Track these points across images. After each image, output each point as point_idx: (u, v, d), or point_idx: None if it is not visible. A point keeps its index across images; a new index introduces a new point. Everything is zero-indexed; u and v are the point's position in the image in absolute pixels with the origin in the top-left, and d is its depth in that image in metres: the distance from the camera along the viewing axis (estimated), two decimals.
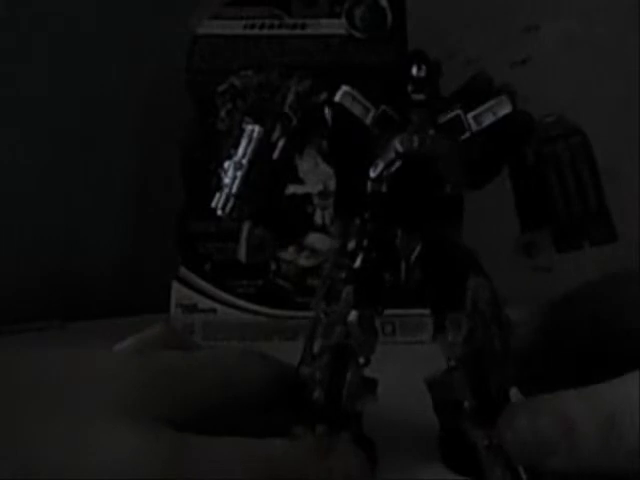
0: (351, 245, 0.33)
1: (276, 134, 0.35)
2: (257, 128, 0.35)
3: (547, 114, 0.34)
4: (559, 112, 0.34)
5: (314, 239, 0.58)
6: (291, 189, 0.57)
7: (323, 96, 0.34)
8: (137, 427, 0.28)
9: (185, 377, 0.31)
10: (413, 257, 0.32)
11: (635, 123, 0.66)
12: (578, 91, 0.68)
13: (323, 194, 0.58)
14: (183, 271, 0.62)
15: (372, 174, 0.32)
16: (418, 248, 0.32)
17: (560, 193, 0.33)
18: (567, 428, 0.29)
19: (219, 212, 0.35)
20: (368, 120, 0.33)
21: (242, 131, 0.35)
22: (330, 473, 0.29)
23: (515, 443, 0.30)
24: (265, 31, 0.63)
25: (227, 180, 0.35)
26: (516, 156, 0.33)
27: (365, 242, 0.33)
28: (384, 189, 0.32)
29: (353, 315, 0.32)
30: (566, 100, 0.65)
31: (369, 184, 0.33)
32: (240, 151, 0.35)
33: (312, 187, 0.58)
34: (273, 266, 0.60)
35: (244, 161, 0.35)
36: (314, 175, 0.56)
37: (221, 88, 0.61)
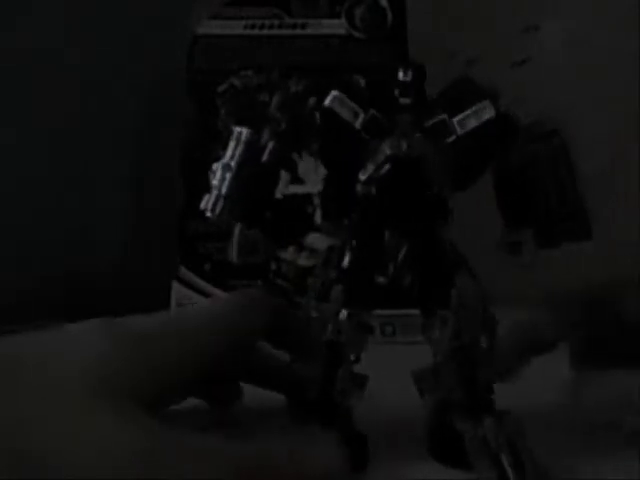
0: (339, 245, 0.34)
1: (265, 137, 0.35)
2: (245, 130, 0.36)
3: (527, 116, 0.35)
4: (538, 114, 0.35)
5: (314, 239, 0.58)
6: (291, 189, 0.57)
7: (312, 101, 0.35)
8: (113, 412, 0.27)
9: (155, 350, 0.30)
10: (400, 257, 0.33)
11: (635, 123, 0.66)
12: (578, 91, 0.68)
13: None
14: (183, 271, 0.62)
15: (361, 177, 0.33)
16: (405, 248, 0.33)
17: (541, 192, 0.34)
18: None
19: (208, 213, 0.36)
20: (357, 124, 0.34)
21: (230, 133, 0.36)
22: (303, 466, 0.29)
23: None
24: (265, 31, 0.63)
25: (216, 182, 0.36)
26: (501, 157, 0.34)
27: (353, 242, 0.34)
28: (373, 191, 0.33)
29: (343, 314, 0.33)
30: (566, 100, 0.65)
31: (358, 186, 0.34)
32: (229, 153, 0.36)
33: (312, 187, 0.58)
34: (273, 266, 0.60)
35: (232, 163, 0.36)
36: (314, 175, 0.56)
37: (221, 88, 0.61)
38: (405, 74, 0.33)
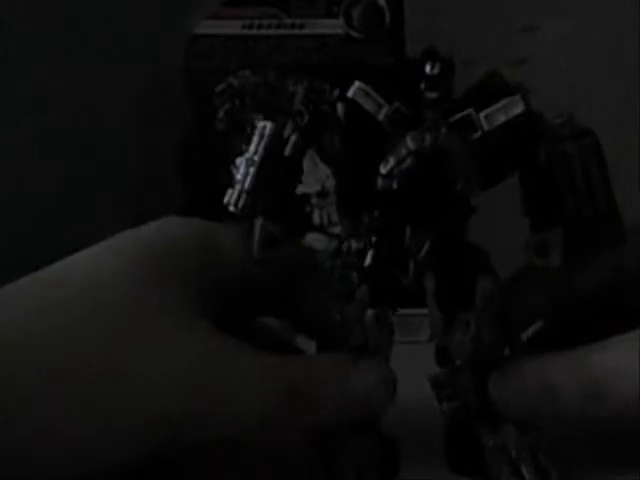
0: (359, 244, 0.33)
1: (288, 131, 0.34)
2: (268, 124, 0.35)
3: (557, 115, 0.34)
4: (569, 113, 0.34)
5: (312, 239, 0.58)
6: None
7: (335, 93, 0.34)
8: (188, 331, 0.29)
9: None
10: (421, 255, 0.32)
11: (635, 123, 0.66)
12: (577, 91, 0.68)
13: (321, 194, 0.58)
14: None
15: (383, 170, 0.32)
16: (427, 246, 0.32)
17: (571, 194, 0.33)
18: (550, 391, 0.30)
19: (232, 208, 0.35)
20: (381, 116, 0.32)
21: (253, 128, 0.35)
22: (350, 389, 0.30)
23: (503, 404, 0.31)
24: (263, 31, 0.63)
25: (239, 176, 0.35)
26: (527, 156, 0.33)
27: (374, 239, 0.33)
28: (395, 186, 0.32)
29: (370, 314, 0.32)
30: (565, 100, 0.65)
31: (379, 180, 0.32)
32: (252, 147, 0.35)
33: (310, 187, 0.58)
34: None
35: (256, 157, 0.35)
36: (312, 175, 0.56)
37: (219, 88, 0.61)
38: (433, 68, 0.32)
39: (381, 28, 0.63)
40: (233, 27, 0.63)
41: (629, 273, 0.35)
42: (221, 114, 0.61)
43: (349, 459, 0.31)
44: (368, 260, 0.33)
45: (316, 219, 0.59)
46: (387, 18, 0.63)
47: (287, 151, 0.35)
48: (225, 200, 0.35)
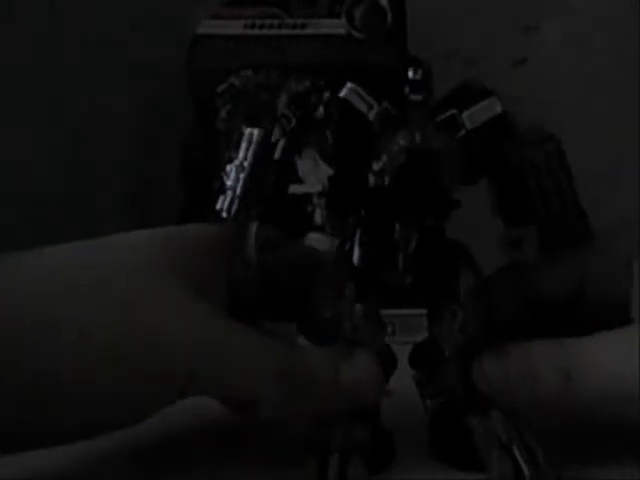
0: (348, 242, 0.34)
1: (276, 135, 0.36)
2: (256, 130, 0.36)
3: (524, 122, 0.35)
4: (533, 121, 0.35)
5: (314, 239, 0.58)
6: (291, 189, 0.57)
7: (326, 95, 0.35)
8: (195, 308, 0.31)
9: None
10: (410, 250, 0.33)
11: (635, 123, 0.66)
12: (577, 91, 0.68)
13: (322, 194, 0.58)
14: None
15: (375, 167, 0.33)
16: (414, 241, 0.33)
17: (539, 197, 0.35)
18: (531, 376, 0.32)
19: (224, 214, 0.36)
20: (371, 116, 0.34)
21: (241, 134, 0.36)
22: (339, 377, 0.32)
23: (487, 387, 0.33)
24: (265, 31, 0.63)
25: (230, 182, 0.36)
26: (498, 160, 0.35)
27: (363, 237, 0.34)
28: (386, 182, 0.33)
29: (358, 310, 0.33)
30: (565, 100, 0.65)
31: (371, 177, 0.34)
32: (241, 154, 0.36)
33: (312, 187, 0.58)
34: None
35: (246, 163, 0.36)
36: (314, 175, 0.56)
37: (221, 88, 0.61)
38: (416, 73, 0.34)
39: (383, 28, 0.63)
40: (235, 27, 0.63)
41: (592, 277, 0.36)
42: (223, 114, 0.61)
43: (337, 448, 0.31)
44: (356, 259, 0.34)
45: (318, 219, 0.59)
46: (389, 18, 0.63)
47: (276, 155, 0.36)
48: (217, 207, 0.36)
